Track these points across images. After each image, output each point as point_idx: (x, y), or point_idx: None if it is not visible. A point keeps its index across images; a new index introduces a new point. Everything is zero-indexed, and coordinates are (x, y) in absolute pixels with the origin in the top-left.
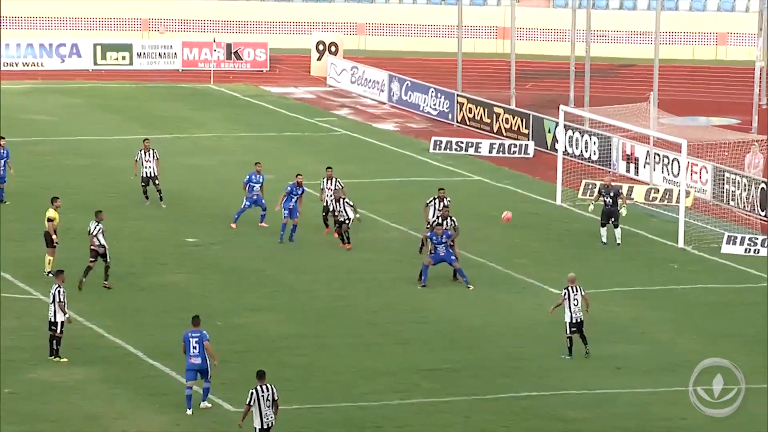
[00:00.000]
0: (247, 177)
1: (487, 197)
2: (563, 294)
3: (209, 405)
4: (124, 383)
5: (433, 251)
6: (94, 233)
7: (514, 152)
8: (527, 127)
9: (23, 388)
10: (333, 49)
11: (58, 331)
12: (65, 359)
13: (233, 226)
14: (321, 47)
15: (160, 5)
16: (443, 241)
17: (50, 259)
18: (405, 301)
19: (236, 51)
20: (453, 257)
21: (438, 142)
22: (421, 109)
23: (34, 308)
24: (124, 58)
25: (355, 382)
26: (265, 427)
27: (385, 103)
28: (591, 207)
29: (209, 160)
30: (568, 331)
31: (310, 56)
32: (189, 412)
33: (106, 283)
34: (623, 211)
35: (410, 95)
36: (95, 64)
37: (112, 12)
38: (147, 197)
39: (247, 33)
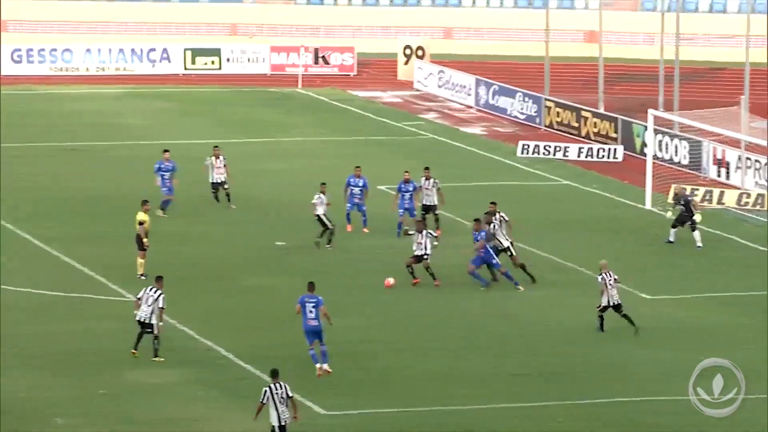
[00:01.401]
0: (347, 181)
1: (575, 202)
2: (600, 280)
3: (330, 370)
4: (216, 386)
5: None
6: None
7: (603, 156)
8: (616, 131)
9: (118, 390)
10: (420, 53)
11: (156, 331)
12: (162, 359)
13: (349, 228)
14: (408, 51)
15: (249, 10)
16: (477, 239)
17: (141, 261)
18: (493, 305)
19: (323, 55)
20: (494, 260)
21: (525, 147)
22: (508, 113)
23: (129, 311)
24: (213, 62)
25: (444, 386)
26: (282, 423)
27: (472, 107)
28: (669, 213)
29: (296, 164)
30: (600, 311)
31: (396, 60)
32: (317, 366)
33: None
34: (697, 217)
35: (497, 99)
36: (185, 68)
37: (202, 17)
38: (218, 200)
39: (334, 37)
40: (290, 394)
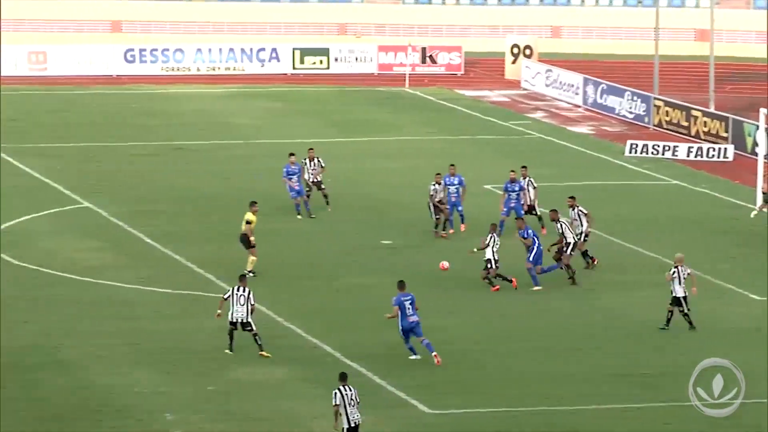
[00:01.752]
0: (442, 180)
1: (684, 202)
2: (672, 272)
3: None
4: (323, 383)
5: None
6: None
7: (713, 156)
8: (726, 131)
9: (227, 387)
10: (528, 52)
11: (254, 329)
12: (269, 354)
13: (450, 231)
14: (515, 50)
15: (357, 10)
16: (525, 237)
17: (253, 259)
18: (597, 305)
19: (431, 55)
20: (531, 260)
21: (634, 146)
22: (616, 112)
23: None
24: (321, 62)
25: (550, 386)
26: (353, 425)
27: (579, 106)
28: (754, 213)
29: (403, 164)
30: (684, 309)
31: (504, 59)
32: (434, 354)
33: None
34: None
35: (605, 98)
36: (294, 68)
37: (311, 17)
38: (306, 205)
39: (441, 36)
40: (358, 399)
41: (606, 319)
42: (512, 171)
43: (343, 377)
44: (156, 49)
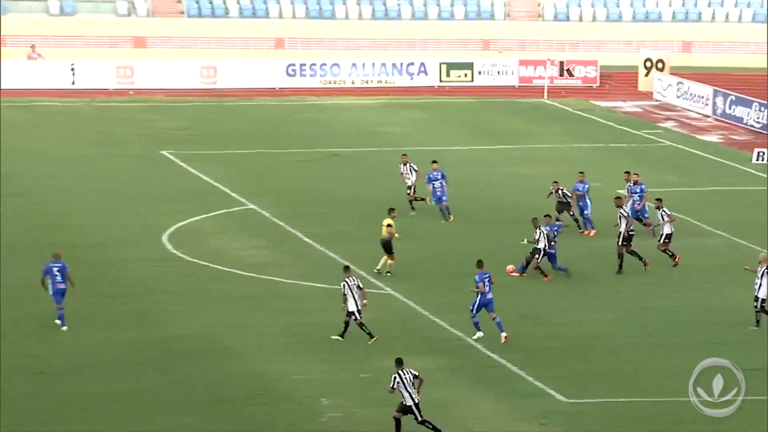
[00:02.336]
0: (574, 187)
1: None
2: (759, 272)
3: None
4: (466, 373)
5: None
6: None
7: None
8: None
9: (377, 374)
10: (660, 65)
11: (359, 317)
12: (376, 337)
13: (592, 233)
14: (648, 64)
15: (499, 27)
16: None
17: (390, 263)
18: (725, 303)
19: (568, 68)
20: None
21: (761, 154)
22: (744, 122)
23: (388, 302)
24: (466, 75)
25: (684, 380)
26: (415, 402)
27: (709, 116)
28: None
29: (542, 170)
30: (758, 306)
31: (637, 72)
32: (503, 335)
33: None
34: None
35: (734, 109)
36: (440, 81)
37: (456, 34)
38: (413, 208)
39: (578, 51)
40: (417, 374)
41: (731, 315)
42: (635, 174)
43: (398, 362)
44: (315, 64)
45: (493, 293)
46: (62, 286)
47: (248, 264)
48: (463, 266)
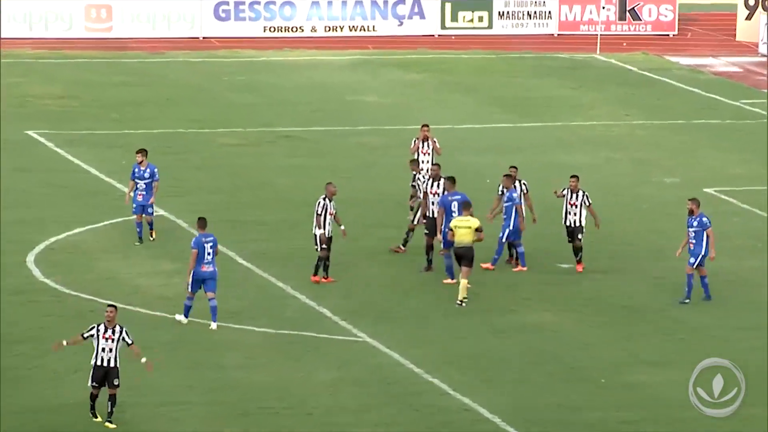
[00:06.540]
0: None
1: None
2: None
3: None
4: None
5: None
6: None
7: None
8: None
9: None
10: None
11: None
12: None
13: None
14: (752, 1)
15: None
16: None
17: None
18: None
19: (632, 8)
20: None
21: None
22: None
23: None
24: (481, 19)
25: None
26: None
27: None
28: None
29: (592, 157)
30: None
31: (735, 14)
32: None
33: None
34: None
35: None
36: (443, 27)
37: None
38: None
39: None
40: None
41: None
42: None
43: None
44: (257, 2)
45: None
46: None
47: (155, 298)
48: (479, 301)
